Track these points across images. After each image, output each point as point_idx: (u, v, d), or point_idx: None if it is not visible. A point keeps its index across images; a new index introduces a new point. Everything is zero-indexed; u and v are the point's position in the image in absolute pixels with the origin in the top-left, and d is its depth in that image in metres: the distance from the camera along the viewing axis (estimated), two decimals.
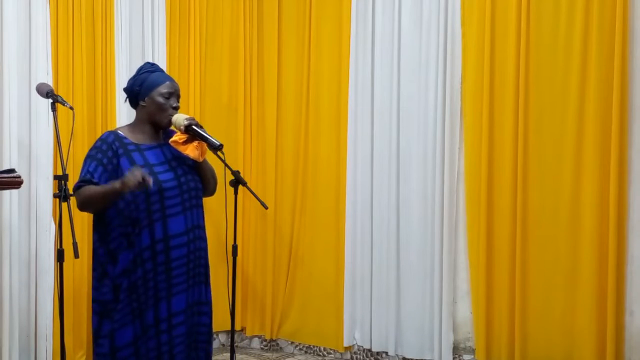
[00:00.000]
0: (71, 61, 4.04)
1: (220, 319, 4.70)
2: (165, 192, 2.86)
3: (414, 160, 4.30)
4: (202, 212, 3.08)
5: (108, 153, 2.86)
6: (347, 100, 4.53)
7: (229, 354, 4.33)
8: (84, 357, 4.14)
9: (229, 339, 4.45)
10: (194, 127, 2.90)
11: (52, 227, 3.84)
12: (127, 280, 2.85)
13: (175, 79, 4.53)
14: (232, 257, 4.23)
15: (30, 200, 3.83)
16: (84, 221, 4.05)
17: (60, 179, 3.38)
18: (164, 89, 2.94)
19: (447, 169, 4.16)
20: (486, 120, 4.02)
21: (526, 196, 3.91)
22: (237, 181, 4.16)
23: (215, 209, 4.69)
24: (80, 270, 4.06)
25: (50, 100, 3.45)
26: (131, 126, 3.02)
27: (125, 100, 3.10)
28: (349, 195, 4.51)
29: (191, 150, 2.92)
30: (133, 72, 4.30)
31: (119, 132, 2.96)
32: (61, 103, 3.45)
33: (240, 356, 4.61)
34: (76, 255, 3.27)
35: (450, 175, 4.16)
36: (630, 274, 3.67)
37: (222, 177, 4.25)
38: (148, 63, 3.12)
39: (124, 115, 4.27)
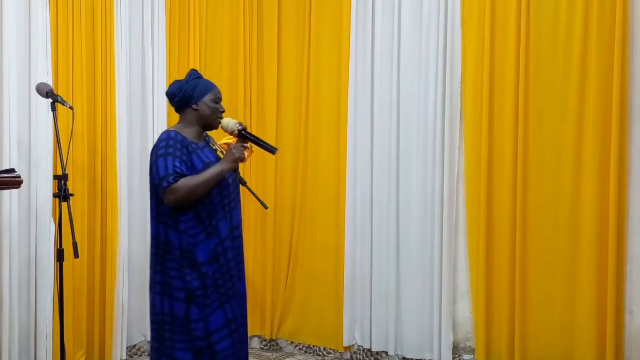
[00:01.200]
0: (71, 61, 4.04)
1: None
2: (230, 187, 3.04)
3: (414, 160, 4.30)
4: None
5: (183, 150, 2.93)
6: (347, 100, 4.53)
7: None
8: (84, 357, 4.14)
9: None
10: (246, 132, 3.10)
11: (52, 227, 3.84)
12: (212, 268, 2.94)
13: (175, 78, 4.58)
14: None
15: (30, 200, 3.83)
16: (84, 221, 4.06)
17: (60, 179, 3.39)
18: (214, 94, 3.11)
19: (447, 169, 4.17)
20: (486, 121, 4.03)
21: (526, 196, 3.91)
22: (237, 181, 4.16)
23: None
24: (80, 270, 4.07)
25: (50, 100, 3.47)
26: (184, 127, 3.07)
27: (176, 102, 3.12)
28: (349, 196, 4.51)
29: (246, 152, 3.09)
30: (133, 72, 4.38)
31: (176, 132, 3.00)
32: (61, 103, 3.47)
33: None
34: (76, 255, 3.29)
35: (450, 176, 4.17)
36: (630, 273, 3.67)
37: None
38: (195, 70, 3.22)
39: (124, 115, 4.28)
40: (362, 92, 4.49)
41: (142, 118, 4.45)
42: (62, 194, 3.37)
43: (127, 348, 4.41)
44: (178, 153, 2.89)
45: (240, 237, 3.09)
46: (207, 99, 3.08)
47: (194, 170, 2.91)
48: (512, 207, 3.95)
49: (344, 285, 4.51)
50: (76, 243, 3.29)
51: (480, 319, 4.08)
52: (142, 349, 4.56)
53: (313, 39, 4.68)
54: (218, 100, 3.11)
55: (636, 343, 3.66)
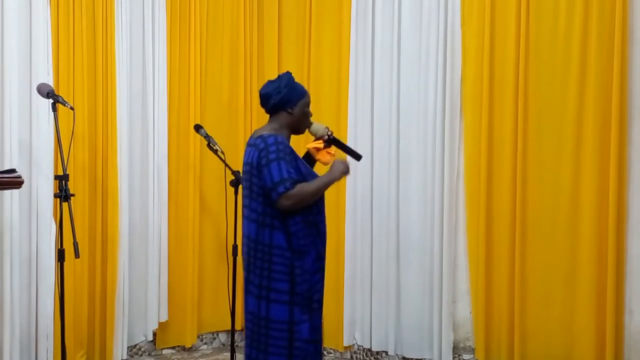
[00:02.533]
0: (72, 61, 4.05)
1: (220, 319, 4.73)
2: (321, 199, 3.13)
3: (413, 160, 4.31)
4: None
5: (292, 155, 3.03)
6: (347, 100, 4.53)
7: (229, 354, 4.34)
8: (85, 356, 4.15)
9: (230, 338, 4.46)
10: (334, 137, 3.21)
11: (53, 227, 3.85)
12: (319, 272, 3.09)
13: (176, 79, 4.62)
14: (232, 257, 4.25)
15: (31, 200, 3.84)
16: (84, 221, 4.06)
17: (61, 179, 3.39)
18: (308, 99, 3.19)
19: (446, 169, 4.17)
20: (486, 120, 4.03)
21: (525, 196, 3.92)
22: (237, 181, 4.17)
23: (215, 209, 4.72)
24: (81, 270, 4.07)
25: (51, 101, 3.47)
26: (275, 130, 3.11)
27: (272, 104, 3.16)
28: (349, 195, 4.52)
29: (323, 156, 3.20)
30: (133, 73, 4.38)
31: (283, 136, 3.10)
32: (62, 103, 3.47)
33: (241, 356, 4.60)
34: (77, 255, 3.29)
35: (450, 175, 4.17)
36: (630, 273, 3.67)
37: (223, 177, 4.29)
38: (290, 73, 3.26)
39: (124, 115, 4.28)
40: (362, 92, 4.50)
41: (142, 118, 4.46)
42: (63, 194, 3.38)
43: (128, 348, 4.41)
44: (288, 158, 2.97)
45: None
46: (302, 103, 3.14)
47: (300, 176, 2.98)
48: (511, 206, 3.95)
49: (344, 285, 4.52)
50: (77, 243, 3.29)
51: (479, 319, 4.09)
52: (142, 349, 4.56)
53: (313, 38, 4.68)
54: (309, 105, 3.20)
55: (635, 342, 3.66)
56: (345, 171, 3.11)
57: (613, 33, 3.65)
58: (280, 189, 2.89)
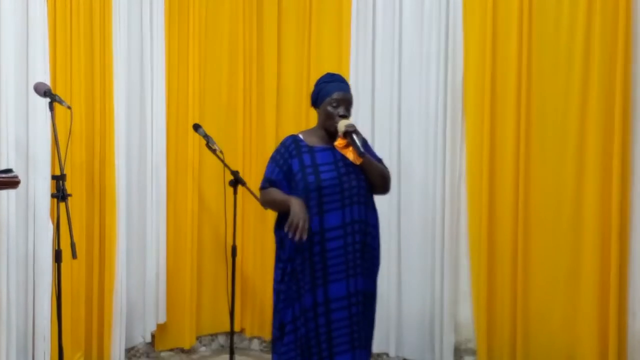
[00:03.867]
0: (69, 60, 4.02)
1: (219, 320, 4.71)
2: (323, 189, 3.14)
3: (415, 160, 4.29)
4: (370, 208, 3.29)
5: (285, 155, 3.24)
6: None
7: (228, 356, 4.31)
8: (82, 358, 4.12)
9: (229, 340, 4.44)
10: (350, 133, 3.13)
11: (50, 228, 3.82)
12: (291, 265, 3.18)
13: (174, 78, 4.58)
14: (231, 258, 4.23)
15: (28, 201, 3.81)
16: (82, 221, 4.04)
17: (58, 179, 3.37)
18: (332, 98, 3.22)
19: (448, 169, 4.16)
20: (488, 120, 4.02)
21: (528, 196, 3.91)
22: (237, 181, 4.15)
23: (214, 209, 4.69)
24: (78, 270, 4.05)
25: (48, 100, 3.45)
26: (312, 130, 3.35)
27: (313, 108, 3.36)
28: None
29: (349, 153, 3.18)
30: (131, 71, 4.36)
31: (299, 135, 3.32)
32: (59, 102, 3.44)
33: (240, 357, 4.59)
34: (74, 256, 3.26)
35: (451, 176, 4.16)
36: (633, 275, 3.66)
37: (222, 177, 4.27)
38: (328, 74, 3.40)
39: (122, 114, 4.26)
40: (362, 92, 4.47)
41: (140, 117, 4.43)
42: (60, 194, 3.35)
43: (126, 349, 4.38)
44: (278, 157, 3.24)
45: (339, 238, 3.20)
46: (325, 103, 3.22)
47: (289, 174, 3.18)
48: (513, 207, 3.94)
49: None
50: (74, 243, 3.26)
51: (481, 320, 4.07)
52: (140, 351, 4.54)
53: (313, 39, 4.66)
54: (337, 103, 3.20)
55: (639, 344, 3.64)
56: (293, 214, 3.03)
57: (616, 32, 3.64)
58: (260, 185, 3.31)
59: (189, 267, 4.59)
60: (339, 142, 3.18)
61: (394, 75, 4.37)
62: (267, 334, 4.78)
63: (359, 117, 4.47)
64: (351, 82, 4.48)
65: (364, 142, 3.24)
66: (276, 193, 3.22)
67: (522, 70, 3.91)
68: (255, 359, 4.65)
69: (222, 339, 4.88)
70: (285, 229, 3.07)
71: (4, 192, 3.60)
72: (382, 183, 3.29)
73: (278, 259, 3.27)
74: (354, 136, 3.12)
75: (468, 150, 4.15)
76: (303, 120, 4.69)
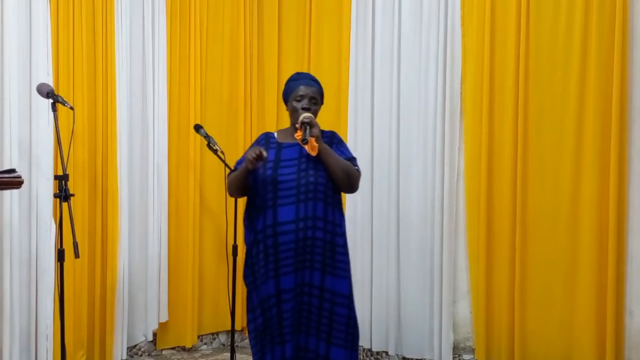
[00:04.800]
0: (71, 61, 4.04)
1: (220, 319, 4.73)
2: (279, 184, 3.17)
3: (413, 160, 4.30)
4: (331, 205, 3.23)
5: (255, 149, 3.19)
6: (347, 100, 4.53)
7: (229, 354, 4.33)
8: (84, 356, 4.14)
9: (230, 339, 4.45)
10: (303, 124, 3.13)
11: (53, 227, 3.85)
12: (250, 256, 3.25)
13: (176, 79, 4.60)
14: (232, 257, 4.24)
15: (31, 200, 3.83)
16: (84, 221, 4.06)
17: (61, 179, 3.39)
18: (297, 93, 3.29)
19: (447, 169, 4.17)
20: (486, 120, 4.03)
21: (526, 196, 3.92)
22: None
23: (215, 209, 4.71)
24: (81, 270, 4.07)
25: (51, 101, 3.47)
26: (286, 128, 3.40)
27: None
28: (349, 195, 4.49)
29: (306, 145, 3.14)
30: (133, 72, 4.38)
31: (273, 132, 3.44)
32: (61, 103, 3.47)
33: (241, 356, 4.61)
34: (76, 255, 3.29)
35: (450, 175, 4.17)
36: (630, 273, 3.67)
37: (223, 177, 4.29)
38: (296, 73, 3.51)
39: (124, 115, 4.28)
40: (362, 92, 4.49)
41: (142, 118, 4.45)
42: (63, 194, 3.37)
43: (128, 348, 4.41)
44: (249, 151, 3.18)
45: (290, 232, 3.17)
46: (291, 99, 3.30)
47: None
48: (512, 206, 3.95)
49: None
50: (76, 243, 3.29)
51: (480, 319, 4.08)
52: (142, 349, 4.56)
53: (313, 39, 4.68)
54: (300, 98, 3.27)
55: (636, 343, 3.66)
56: (249, 158, 3.07)
57: (613, 32, 3.65)
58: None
59: (190, 266, 4.61)
60: (297, 134, 3.16)
61: (393, 75, 4.38)
62: None
63: (359, 117, 4.50)
64: (351, 82, 4.52)
65: (339, 140, 3.29)
66: (236, 171, 3.27)
67: (520, 71, 3.92)
68: None
69: (223, 338, 4.90)
70: (249, 166, 3.08)
71: (7, 192, 3.62)
72: (344, 179, 3.22)
73: (246, 250, 3.33)
74: (306, 127, 3.10)
75: (466, 150, 4.16)
76: None
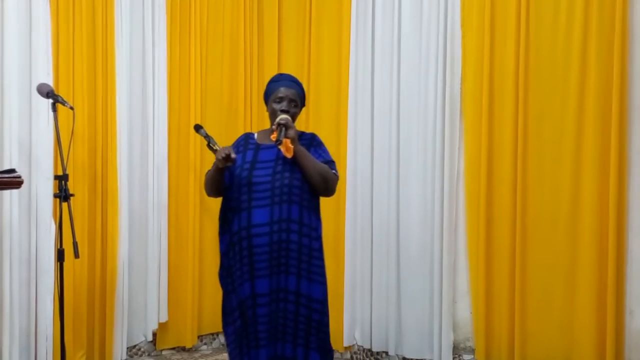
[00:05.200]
0: (71, 61, 4.04)
1: (220, 319, 4.71)
2: (254, 185, 3.16)
3: (413, 160, 4.30)
4: (306, 208, 3.20)
5: (234, 150, 3.25)
6: (347, 101, 4.53)
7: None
8: (84, 356, 4.14)
9: None
10: (279, 126, 3.11)
11: (53, 227, 3.85)
12: (227, 259, 3.24)
13: (176, 79, 4.60)
14: None
15: (31, 200, 3.83)
16: (84, 221, 4.06)
17: (61, 179, 3.40)
18: (276, 95, 3.28)
19: (446, 169, 4.17)
20: (486, 121, 4.03)
21: (526, 196, 3.92)
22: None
23: (215, 209, 4.69)
24: (81, 270, 4.07)
25: (51, 101, 3.48)
26: (266, 129, 3.36)
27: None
28: (349, 195, 4.51)
29: (281, 146, 3.13)
30: (133, 72, 4.39)
31: (254, 133, 3.44)
32: (61, 103, 3.47)
33: None
34: (76, 255, 3.29)
35: (450, 176, 4.17)
36: (630, 273, 3.67)
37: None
38: (278, 74, 3.53)
39: (124, 115, 4.28)
40: (362, 92, 4.49)
41: (142, 118, 4.45)
42: (63, 194, 3.38)
43: (127, 348, 4.41)
44: (220, 150, 3.18)
45: (264, 235, 3.15)
46: (270, 100, 3.30)
47: (232, 168, 3.19)
48: (511, 207, 3.95)
49: (344, 285, 4.51)
50: (76, 243, 3.29)
51: (480, 319, 4.08)
52: (142, 349, 4.56)
53: (313, 39, 4.68)
54: (279, 99, 3.26)
55: (636, 343, 3.66)
56: (218, 158, 3.09)
57: (613, 33, 3.65)
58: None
59: (190, 266, 4.62)
60: (273, 136, 3.14)
61: (393, 75, 4.38)
62: None
63: (359, 117, 4.50)
64: (351, 82, 4.52)
65: (319, 142, 3.29)
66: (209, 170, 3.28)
67: (520, 71, 3.92)
68: None
69: (223, 338, 4.89)
70: (219, 164, 3.10)
71: (7, 192, 3.62)
72: (320, 182, 3.19)
73: (220, 252, 3.31)
74: (281, 129, 3.09)
75: (466, 150, 4.16)
76: (303, 120, 4.71)
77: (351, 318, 4.52)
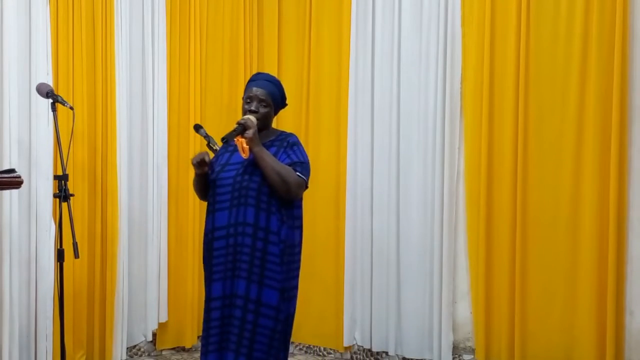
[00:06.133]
0: (71, 61, 4.04)
1: None
2: (217, 188, 3.13)
3: (414, 160, 4.30)
4: (266, 212, 3.08)
5: (217, 153, 3.29)
6: (347, 101, 4.53)
7: None
8: (84, 357, 4.14)
9: None
10: (239, 125, 3.05)
11: (52, 227, 3.85)
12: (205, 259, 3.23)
13: (176, 79, 4.60)
14: None
15: (31, 200, 3.83)
16: (84, 221, 4.06)
17: (60, 179, 3.40)
18: (247, 94, 3.21)
19: (447, 169, 4.17)
20: (486, 120, 4.03)
21: (526, 196, 3.92)
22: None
23: None
24: (80, 270, 4.07)
25: (51, 100, 3.47)
26: None
27: None
28: (349, 196, 4.51)
29: (239, 147, 3.07)
30: (133, 72, 4.39)
31: None
32: (61, 103, 3.47)
33: None
34: (76, 255, 3.29)
35: (450, 175, 4.17)
36: (630, 273, 3.67)
37: None
38: (255, 73, 3.45)
39: (124, 115, 4.28)
40: (362, 92, 4.49)
41: (142, 118, 4.45)
42: (62, 194, 3.38)
43: (127, 348, 4.41)
44: (214, 158, 3.25)
45: (221, 238, 3.09)
46: (243, 101, 3.23)
47: (212, 171, 3.16)
48: (511, 207, 3.95)
49: (344, 285, 4.52)
50: (76, 243, 3.29)
51: (480, 319, 4.08)
52: (142, 349, 4.56)
53: (313, 39, 4.68)
54: (249, 99, 3.19)
55: (636, 343, 3.66)
56: (193, 164, 3.09)
57: (613, 33, 3.65)
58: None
59: (190, 267, 4.62)
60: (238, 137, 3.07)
61: (393, 75, 4.38)
62: None
63: (359, 117, 4.50)
64: (351, 82, 4.52)
65: (293, 143, 3.20)
66: None
67: (520, 71, 3.92)
68: None
69: None
70: (197, 171, 3.11)
71: (7, 192, 3.62)
72: (279, 183, 3.03)
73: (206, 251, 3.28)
74: (236, 129, 3.01)
75: (466, 149, 4.16)
76: (303, 120, 4.72)
77: (351, 318, 4.52)
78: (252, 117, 3.09)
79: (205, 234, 3.17)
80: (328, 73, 4.65)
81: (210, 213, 3.14)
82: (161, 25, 4.52)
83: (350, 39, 4.52)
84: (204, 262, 3.22)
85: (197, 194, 3.34)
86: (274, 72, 4.84)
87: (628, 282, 3.68)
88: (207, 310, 3.13)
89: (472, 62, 4.12)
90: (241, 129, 3.03)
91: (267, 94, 3.18)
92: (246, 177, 3.07)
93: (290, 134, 3.27)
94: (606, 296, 3.66)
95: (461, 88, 4.18)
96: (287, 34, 4.85)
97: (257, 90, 3.17)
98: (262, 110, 3.16)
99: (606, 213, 3.68)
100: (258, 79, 3.28)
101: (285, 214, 3.14)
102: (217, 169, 3.15)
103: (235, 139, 3.06)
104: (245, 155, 3.04)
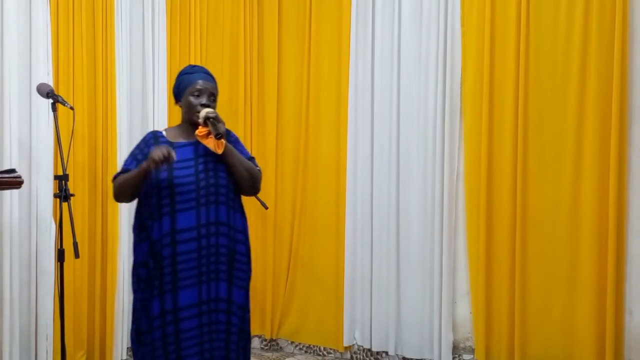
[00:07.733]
0: (71, 61, 4.04)
1: None
2: (176, 187, 2.92)
3: (413, 160, 4.31)
4: (234, 210, 3.02)
5: (144, 150, 3.02)
6: (347, 101, 4.53)
7: None
8: (84, 356, 4.15)
9: None
10: (209, 119, 2.93)
11: (53, 227, 3.85)
12: (145, 270, 2.96)
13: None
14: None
15: (31, 200, 3.83)
16: (84, 221, 4.06)
17: (61, 179, 3.40)
18: (194, 87, 3.03)
19: (446, 169, 4.17)
20: (486, 121, 4.03)
21: (526, 196, 3.92)
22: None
23: None
24: (81, 270, 4.07)
25: (51, 101, 3.48)
26: (177, 125, 3.16)
27: (176, 103, 3.21)
28: (349, 196, 4.52)
29: (210, 142, 2.96)
30: (133, 72, 4.39)
31: (160, 131, 3.13)
32: (61, 103, 3.47)
33: None
34: (77, 255, 3.29)
35: (450, 176, 4.17)
36: (630, 273, 3.68)
37: None
38: (189, 66, 3.28)
39: (124, 115, 4.29)
40: (362, 92, 4.50)
41: (142, 118, 4.46)
42: (63, 194, 3.38)
43: (128, 348, 4.40)
44: (138, 154, 3.02)
45: (191, 240, 2.94)
46: (187, 93, 3.04)
47: (156, 171, 2.91)
48: (511, 207, 3.95)
49: (344, 285, 4.52)
50: (76, 243, 3.29)
51: (480, 319, 4.09)
52: None
53: (313, 39, 4.68)
54: (198, 93, 3.02)
55: (635, 343, 3.66)
56: (154, 158, 2.79)
57: (613, 32, 3.65)
58: (112, 178, 3.07)
59: None
60: (199, 131, 2.95)
61: (393, 75, 4.38)
62: (268, 333, 4.82)
63: (359, 117, 4.51)
64: (351, 82, 4.52)
65: (236, 139, 3.10)
66: (128, 173, 2.98)
67: (520, 71, 3.92)
68: (255, 358, 4.67)
69: None
70: (152, 166, 2.83)
71: (7, 192, 3.62)
72: (248, 179, 3.02)
73: (134, 263, 3.04)
74: (214, 122, 2.90)
75: (466, 150, 4.16)
76: (303, 120, 4.72)
77: (351, 318, 4.52)
78: (214, 111, 2.98)
79: (157, 239, 2.90)
80: (328, 73, 4.65)
81: (165, 215, 2.89)
82: (161, 25, 4.52)
83: (350, 39, 4.52)
84: (150, 273, 2.92)
85: (125, 196, 3.03)
86: (274, 72, 4.86)
87: (627, 281, 3.68)
88: (173, 322, 2.89)
89: (471, 62, 4.12)
90: (218, 123, 2.91)
91: (215, 88, 3.09)
92: (211, 173, 2.95)
93: (228, 129, 3.08)
94: (606, 296, 3.66)
95: (461, 88, 4.18)
96: (287, 34, 4.85)
97: (205, 84, 3.04)
98: (213, 105, 3.04)
99: (606, 213, 3.68)
100: (199, 71, 3.13)
101: (243, 211, 3.10)
102: (162, 167, 2.88)
103: (198, 134, 2.96)
104: (220, 150, 2.94)
